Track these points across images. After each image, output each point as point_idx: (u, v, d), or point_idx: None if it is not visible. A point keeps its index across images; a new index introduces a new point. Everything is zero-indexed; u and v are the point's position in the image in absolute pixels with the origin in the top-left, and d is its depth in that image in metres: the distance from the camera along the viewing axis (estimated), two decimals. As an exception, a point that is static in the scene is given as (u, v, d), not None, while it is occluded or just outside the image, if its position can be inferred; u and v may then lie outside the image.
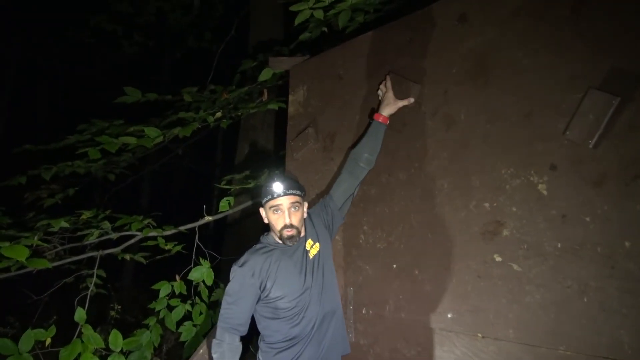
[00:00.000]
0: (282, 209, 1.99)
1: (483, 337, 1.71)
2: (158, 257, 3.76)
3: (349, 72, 2.43)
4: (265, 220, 2.09)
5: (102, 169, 4.25)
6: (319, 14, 2.73)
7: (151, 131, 3.28)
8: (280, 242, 2.04)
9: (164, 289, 3.25)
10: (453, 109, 1.91)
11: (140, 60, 9.83)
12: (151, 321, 3.21)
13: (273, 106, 3.70)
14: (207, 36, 8.39)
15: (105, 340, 2.81)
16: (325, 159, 2.51)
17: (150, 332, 3.13)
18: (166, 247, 3.46)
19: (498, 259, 1.69)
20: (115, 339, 2.82)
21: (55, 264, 3.23)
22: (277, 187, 1.98)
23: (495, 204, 1.72)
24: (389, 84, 2.13)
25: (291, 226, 1.99)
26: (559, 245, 1.53)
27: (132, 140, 3.22)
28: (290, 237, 1.99)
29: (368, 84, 2.30)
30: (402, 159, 2.10)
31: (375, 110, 2.16)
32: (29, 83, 11.58)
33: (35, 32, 10.35)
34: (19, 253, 2.39)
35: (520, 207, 1.64)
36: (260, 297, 1.99)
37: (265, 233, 2.16)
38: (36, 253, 3.11)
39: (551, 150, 1.57)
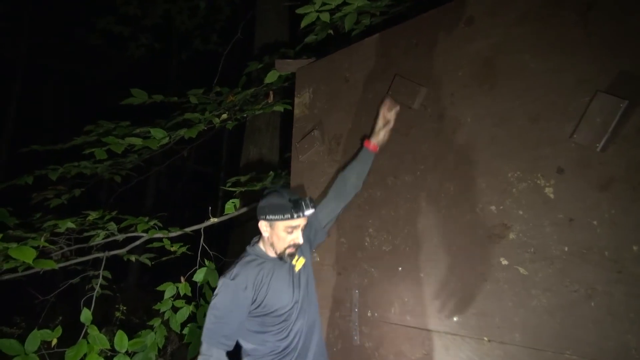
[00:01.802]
0: (297, 229, 1.93)
1: (489, 340, 1.70)
2: (163, 258, 3.77)
3: (355, 74, 2.43)
4: (265, 234, 1.99)
5: (108, 170, 4.26)
6: (325, 17, 2.74)
7: (157, 132, 3.30)
8: (276, 256, 1.99)
9: (168, 290, 3.26)
10: (459, 112, 1.90)
11: (146, 62, 9.88)
12: (156, 322, 3.22)
13: (279, 108, 3.71)
14: (214, 38, 8.42)
15: (111, 341, 2.82)
16: (330, 162, 2.51)
17: (155, 333, 3.14)
18: (171, 249, 3.47)
19: (504, 262, 1.68)
20: (121, 339, 2.84)
21: (62, 264, 3.25)
22: (305, 207, 1.89)
23: (501, 207, 1.71)
24: (383, 109, 2.11)
25: (298, 245, 1.96)
26: (566, 249, 1.52)
27: (138, 141, 3.23)
28: (292, 255, 1.97)
29: (374, 87, 2.30)
30: (408, 162, 2.10)
31: (367, 135, 2.18)
32: (36, 84, 11.66)
33: (42, 33, 10.43)
34: (26, 254, 2.41)
35: (526, 211, 1.64)
36: (250, 311, 1.93)
37: (252, 243, 2.09)
38: (43, 254, 3.13)
39: (558, 154, 1.57)
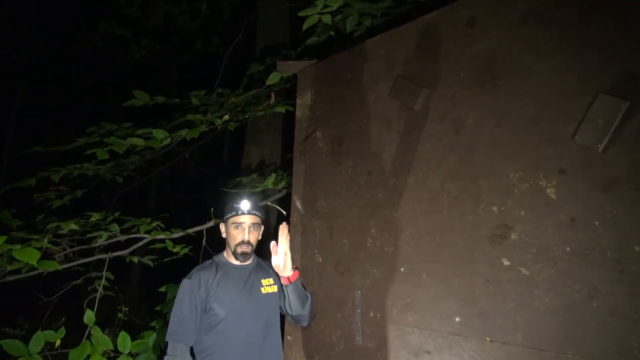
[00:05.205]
0: (243, 226, 2.19)
1: (491, 341, 1.70)
2: (166, 259, 3.78)
3: (357, 76, 2.43)
4: (224, 235, 2.29)
5: (110, 172, 4.27)
6: (327, 19, 2.74)
7: (159, 132, 3.30)
8: (233, 258, 2.25)
9: (170, 291, 3.27)
10: (461, 113, 1.91)
11: (148, 64, 9.90)
12: (158, 323, 3.23)
13: (280, 109, 3.72)
14: (215, 40, 8.44)
15: (114, 342, 2.83)
16: (332, 162, 2.51)
17: (157, 334, 3.15)
18: (174, 250, 3.48)
19: (506, 263, 1.68)
20: (124, 340, 2.85)
21: (65, 266, 3.26)
22: (244, 205, 2.18)
23: (503, 208, 1.71)
24: (274, 249, 2.19)
25: (248, 243, 2.20)
26: (568, 249, 1.53)
27: (139, 142, 3.24)
28: (244, 254, 2.20)
29: (376, 88, 2.31)
30: (410, 163, 2.10)
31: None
32: (39, 86, 11.69)
33: (45, 36, 10.46)
34: (30, 256, 2.41)
35: (528, 211, 1.64)
36: (205, 309, 2.12)
37: (219, 253, 2.34)
38: (46, 255, 3.14)
39: (560, 155, 1.57)
